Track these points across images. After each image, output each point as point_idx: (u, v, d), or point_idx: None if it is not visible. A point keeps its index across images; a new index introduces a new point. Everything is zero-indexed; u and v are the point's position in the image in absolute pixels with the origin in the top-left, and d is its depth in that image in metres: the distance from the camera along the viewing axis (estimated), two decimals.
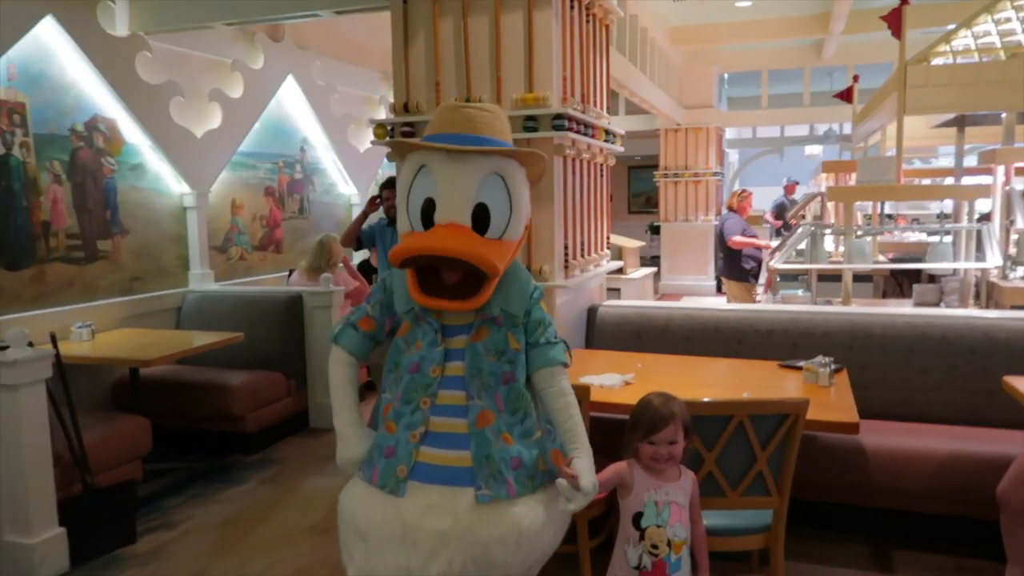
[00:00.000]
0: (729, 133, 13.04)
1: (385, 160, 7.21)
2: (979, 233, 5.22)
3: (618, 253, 7.21)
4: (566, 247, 3.51)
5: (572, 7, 3.45)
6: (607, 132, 3.84)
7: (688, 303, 4.08)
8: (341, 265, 5.32)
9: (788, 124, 12.99)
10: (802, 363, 2.93)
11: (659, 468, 1.98)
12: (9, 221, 3.85)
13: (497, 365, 1.79)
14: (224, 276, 5.36)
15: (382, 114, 7.24)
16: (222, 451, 4.34)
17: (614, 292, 6.55)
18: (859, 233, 6.13)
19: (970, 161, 7.39)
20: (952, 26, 5.17)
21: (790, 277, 7.00)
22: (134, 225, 4.62)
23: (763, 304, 5.67)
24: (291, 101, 6.07)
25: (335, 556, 1.93)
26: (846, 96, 7.83)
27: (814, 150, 13.33)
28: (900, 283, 7.13)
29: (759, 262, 6.97)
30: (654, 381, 2.79)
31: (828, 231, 6.33)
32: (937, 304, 5.63)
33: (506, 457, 1.76)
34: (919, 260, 6.49)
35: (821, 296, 6.03)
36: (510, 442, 1.77)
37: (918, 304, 5.69)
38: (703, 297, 9.79)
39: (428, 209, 1.76)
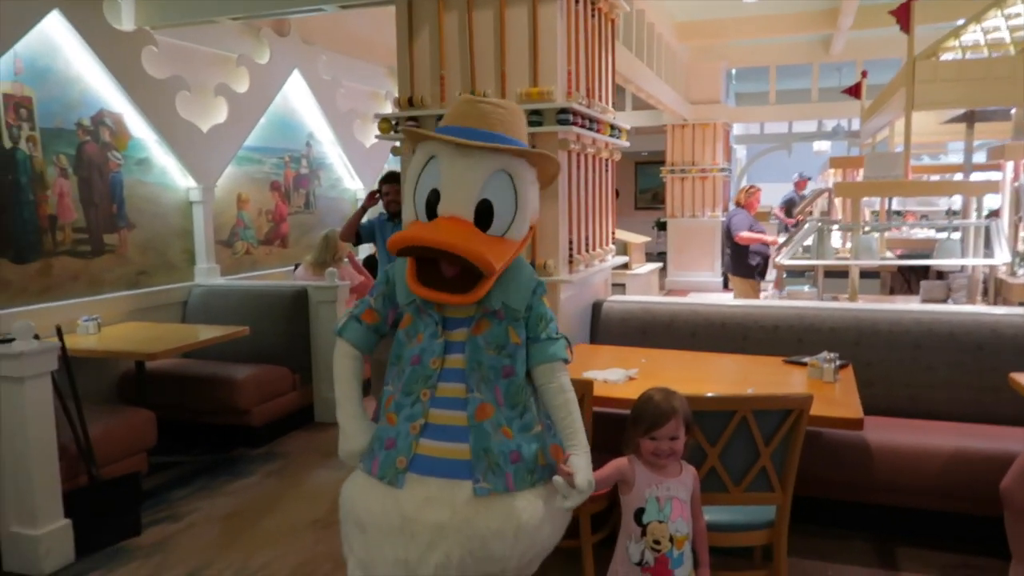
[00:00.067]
0: (737, 129, 12.99)
1: (390, 155, 7.20)
2: (987, 229, 5.18)
3: (623, 248, 7.19)
4: (570, 242, 3.51)
5: (577, 1, 3.44)
6: (612, 127, 3.83)
7: (693, 299, 4.06)
8: (346, 260, 5.32)
9: (796, 120, 12.95)
10: (807, 359, 2.92)
11: (660, 464, 1.98)
12: (16, 215, 3.87)
13: (497, 359, 1.79)
14: (230, 270, 5.37)
15: (388, 109, 7.23)
16: (227, 444, 4.35)
17: (619, 287, 6.53)
18: (866, 229, 6.09)
19: (979, 157, 7.35)
20: (961, 21, 5.14)
21: (797, 273, 6.96)
22: (140, 219, 4.64)
23: (769, 300, 5.65)
24: (297, 96, 6.08)
25: (338, 550, 1.93)
26: (854, 92, 7.80)
27: (822, 146, 13.27)
28: (908, 280, 7.08)
29: (765, 259, 6.94)
30: (658, 376, 2.78)
31: (835, 227, 6.30)
32: (945, 301, 5.60)
33: (505, 450, 1.75)
34: (927, 256, 6.45)
35: (828, 292, 6.00)
36: (509, 436, 1.77)
37: (925, 301, 5.65)
38: (709, 293, 9.76)
39: (433, 200, 1.76)
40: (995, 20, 4.97)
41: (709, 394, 2.23)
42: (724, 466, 2.19)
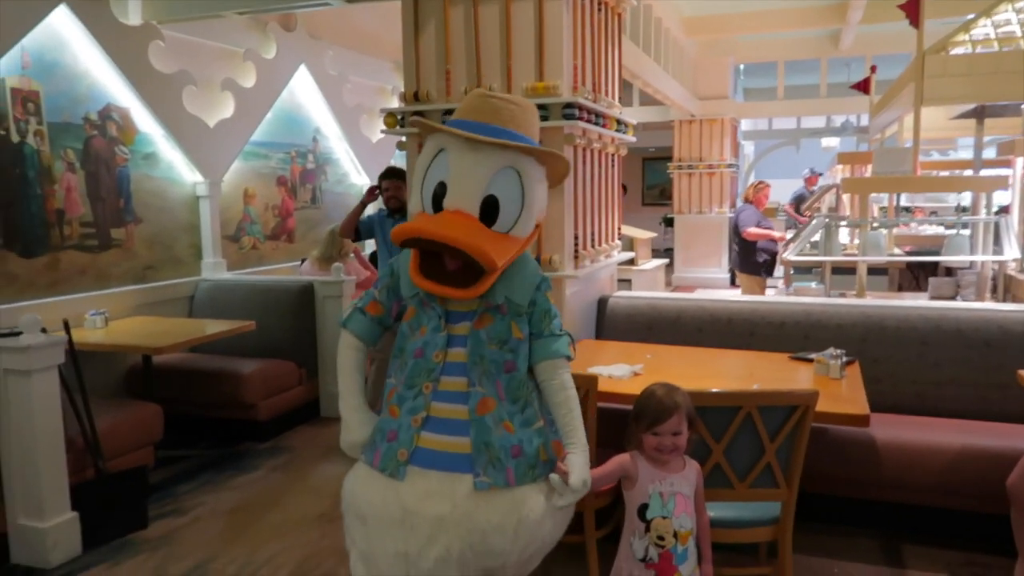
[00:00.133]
0: (744, 124, 12.91)
1: (396, 150, 7.20)
2: (997, 225, 5.15)
3: (629, 244, 7.19)
4: (576, 237, 3.50)
5: None
6: (618, 121, 3.82)
7: (700, 295, 4.05)
8: (352, 255, 5.32)
9: (804, 115, 12.85)
10: (814, 355, 2.90)
11: (663, 459, 1.97)
12: (24, 209, 3.89)
13: (499, 353, 1.78)
14: (236, 265, 5.38)
15: (394, 104, 7.23)
16: (233, 439, 4.37)
17: (625, 283, 6.52)
18: (874, 225, 6.06)
19: (989, 153, 7.29)
20: (971, 15, 5.08)
21: (804, 269, 6.94)
22: (147, 214, 4.65)
23: (776, 296, 5.62)
24: (303, 91, 6.08)
25: (343, 544, 1.94)
26: (863, 87, 7.73)
27: (831, 142, 13.19)
28: (916, 276, 7.05)
29: (773, 255, 6.92)
30: (664, 372, 2.77)
31: (843, 223, 6.27)
32: (953, 297, 5.57)
33: (506, 445, 1.75)
34: (936, 253, 6.41)
35: (835, 288, 5.98)
36: (511, 430, 1.77)
37: (934, 297, 5.62)
38: (717, 290, 9.73)
39: (440, 192, 1.75)
40: (1006, 14, 4.91)
41: (714, 390, 2.22)
42: (729, 462, 2.18)
